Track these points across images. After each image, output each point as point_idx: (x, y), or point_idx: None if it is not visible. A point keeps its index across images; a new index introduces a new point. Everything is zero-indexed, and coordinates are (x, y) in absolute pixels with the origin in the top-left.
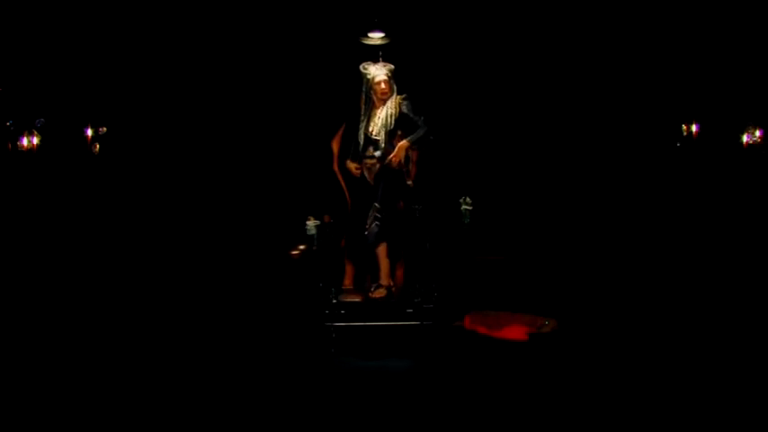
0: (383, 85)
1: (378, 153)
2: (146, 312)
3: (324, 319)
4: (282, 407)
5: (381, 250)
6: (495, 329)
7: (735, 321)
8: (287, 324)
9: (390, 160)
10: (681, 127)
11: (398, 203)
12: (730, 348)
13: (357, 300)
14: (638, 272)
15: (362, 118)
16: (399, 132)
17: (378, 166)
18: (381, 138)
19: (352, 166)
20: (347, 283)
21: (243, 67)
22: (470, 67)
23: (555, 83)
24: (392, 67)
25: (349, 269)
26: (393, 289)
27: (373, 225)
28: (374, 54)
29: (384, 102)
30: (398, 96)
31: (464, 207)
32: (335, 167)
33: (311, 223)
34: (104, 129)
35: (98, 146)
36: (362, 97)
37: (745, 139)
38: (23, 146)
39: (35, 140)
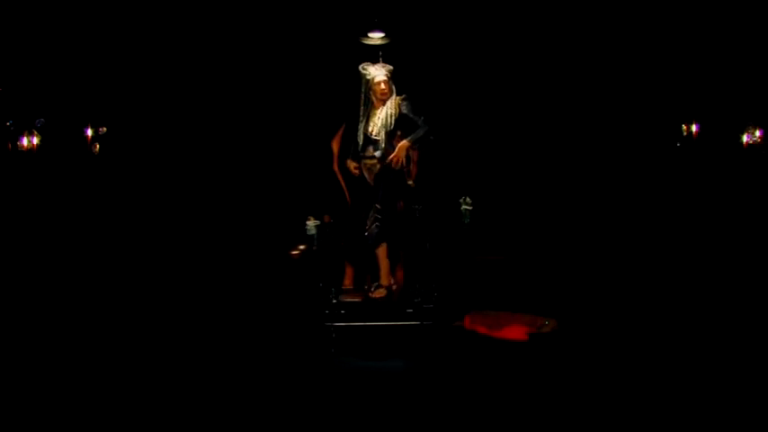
0: (383, 86)
1: (378, 153)
2: (146, 312)
3: (324, 319)
4: (282, 407)
5: (381, 250)
6: (495, 329)
7: (735, 321)
8: (287, 324)
9: (391, 160)
10: (681, 127)
11: (399, 204)
12: (730, 348)
13: (357, 300)
14: (638, 272)
15: (362, 118)
16: (399, 132)
17: (378, 166)
18: (381, 138)
19: (351, 165)
20: (347, 283)
21: (243, 68)
22: (470, 68)
23: (555, 83)
24: (391, 67)
25: (349, 269)
26: (393, 289)
27: (373, 226)
28: (374, 54)
29: (384, 102)
30: (398, 97)
31: (464, 207)
32: (335, 167)
33: (311, 223)
34: (104, 129)
35: (98, 146)
36: (362, 98)
37: (745, 139)
38: (23, 146)
39: (35, 140)
